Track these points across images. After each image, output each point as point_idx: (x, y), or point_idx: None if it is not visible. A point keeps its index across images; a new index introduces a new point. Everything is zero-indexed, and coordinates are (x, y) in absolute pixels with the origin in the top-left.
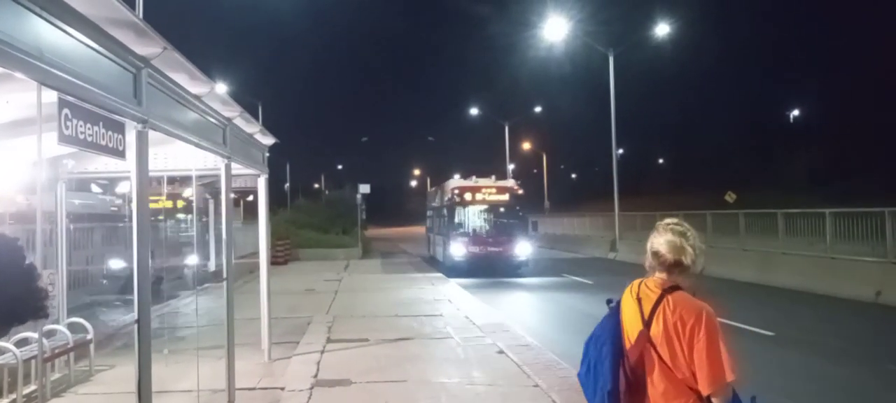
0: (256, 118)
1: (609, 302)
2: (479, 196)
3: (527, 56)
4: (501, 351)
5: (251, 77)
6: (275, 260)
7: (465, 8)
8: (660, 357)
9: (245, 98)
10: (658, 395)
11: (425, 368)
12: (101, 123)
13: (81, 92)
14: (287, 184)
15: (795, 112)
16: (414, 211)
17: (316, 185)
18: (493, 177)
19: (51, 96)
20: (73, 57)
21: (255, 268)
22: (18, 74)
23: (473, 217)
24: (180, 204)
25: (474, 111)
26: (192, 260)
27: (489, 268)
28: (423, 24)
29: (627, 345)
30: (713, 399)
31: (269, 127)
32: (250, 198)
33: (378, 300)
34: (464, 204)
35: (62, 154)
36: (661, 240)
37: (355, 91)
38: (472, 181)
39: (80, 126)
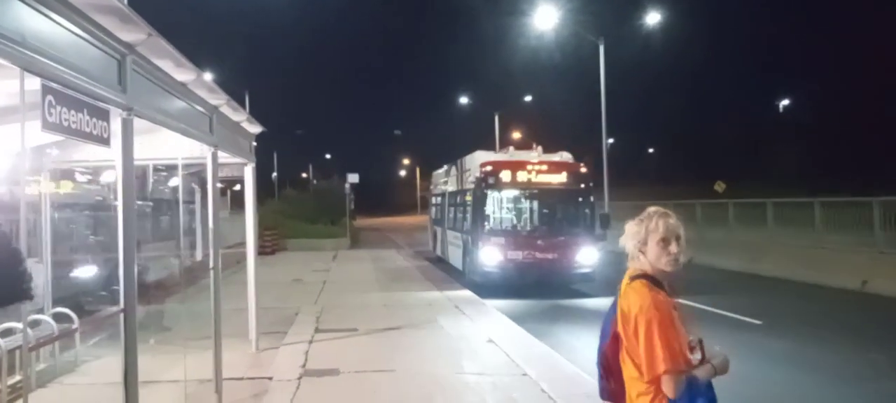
0: (243, 107)
1: None
2: (522, 175)
3: (517, 45)
4: (490, 340)
5: (238, 65)
6: (262, 251)
7: None
8: (623, 343)
9: (232, 86)
10: (626, 378)
11: (414, 358)
12: (85, 110)
13: (65, 78)
14: (274, 174)
15: (786, 101)
16: (403, 202)
17: (304, 175)
18: (540, 148)
19: (34, 83)
20: (56, 43)
21: (242, 259)
22: (1, 61)
23: (515, 207)
24: (69, 186)
25: (464, 100)
26: (88, 271)
27: (538, 284)
28: (412, 12)
29: None
30: (663, 386)
31: (256, 116)
32: (237, 187)
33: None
34: (500, 187)
35: (46, 142)
36: None
37: (344, 80)
38: (509, 154)
39: (64, 113)
